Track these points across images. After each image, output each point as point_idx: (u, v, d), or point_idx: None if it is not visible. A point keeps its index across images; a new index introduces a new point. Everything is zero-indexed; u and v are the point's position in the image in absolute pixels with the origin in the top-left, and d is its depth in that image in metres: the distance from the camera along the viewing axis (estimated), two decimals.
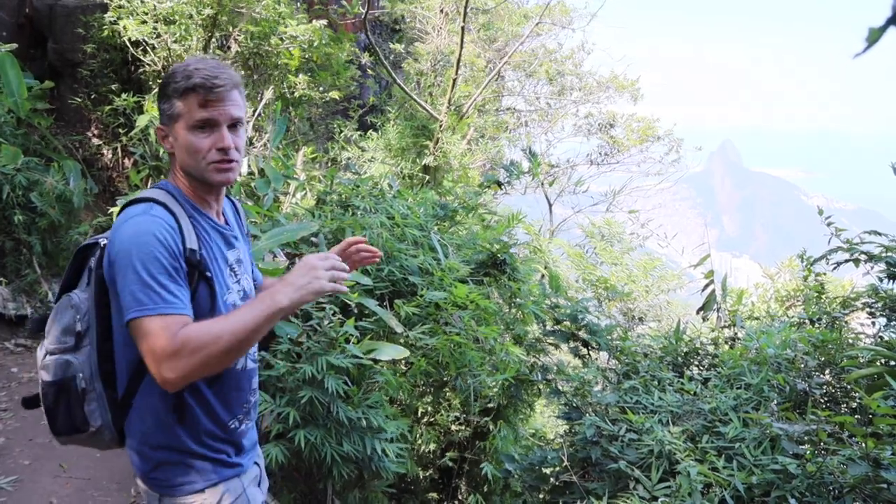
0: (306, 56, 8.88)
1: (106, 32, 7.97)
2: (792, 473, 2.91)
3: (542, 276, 6.77)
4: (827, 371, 4.04)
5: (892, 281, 4.30)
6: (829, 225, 4.77)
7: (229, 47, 8.64)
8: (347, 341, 3.70)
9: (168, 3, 7.75)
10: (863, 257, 4.44)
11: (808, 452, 3.14)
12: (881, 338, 4.27)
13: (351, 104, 11.86)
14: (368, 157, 11.23)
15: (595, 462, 3.72)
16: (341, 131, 11.44)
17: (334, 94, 9.62)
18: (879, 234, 4.45)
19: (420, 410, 5.23)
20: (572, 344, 5.51)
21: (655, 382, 4.20)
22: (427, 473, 5.36)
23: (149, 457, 1.85)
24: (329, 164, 10.46)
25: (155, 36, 7.88)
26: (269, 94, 8.28)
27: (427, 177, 10.77)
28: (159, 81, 1.88)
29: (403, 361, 4.36)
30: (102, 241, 1.82)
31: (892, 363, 3.50)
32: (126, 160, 8.67)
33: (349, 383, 3.61)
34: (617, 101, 16.71)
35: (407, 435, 4.17)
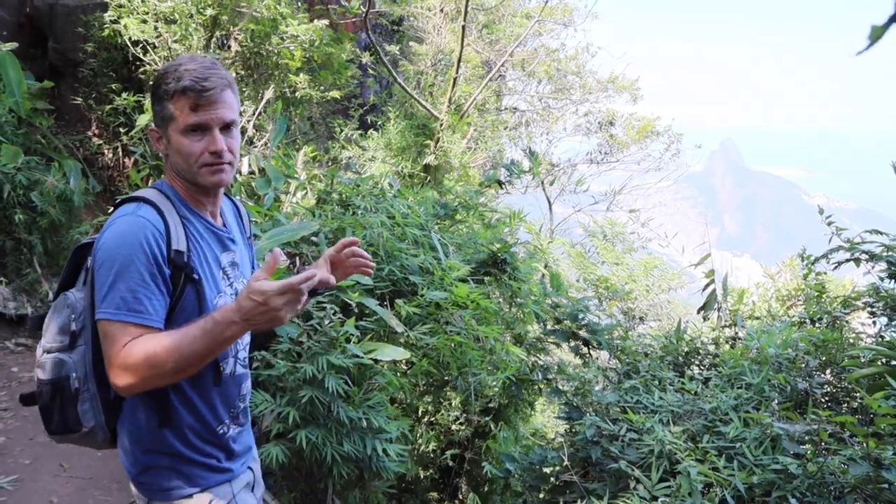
0: (307, 56, 8.88)
1: (106, 32, 7.97)
2: (793, 473, 2.90)
3: (543, 275, 6.77)
4: (828, 371, 4.04)
5: (893, 280, 4.29)
6: (829, 224, 4.76)
7: (230, 46, 8.64)
8: (348, 341, 3.70)
9: (168, 3, 7.75)
10: (864, 257, 4.44)
11: (809, 452, 3.13)
12: (882, 337, 4.26)
13: (351, 103, 11.86)
14: (369, 157, 11.23)
15: (595, 462, 3.72)
16: (342, 130, 11.44)
17: (335, 94, 9.62)
18: (880, 233, 4.45)
19: (421, 410, 5.23)
20: (573, 343, 5.51)
21: (656, 382, 4.20)
22: (427, 473, 5.36)
23: (138, 460, 1.85)
24: (329, 164, 10.46)
25: (156, 35, 7.88)
26: (269, 93, 8.28)
27: (427, 176, 10.76)
28: (154, 78, 1.82)
29: (404, 361, 4.36)
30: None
31: (894, 363, 3.50)
32: (126, 159, 8.67)
33: (350, 383, 3.61)
34: (616, 100, 16.71)
35: (408, 435, 4.17)
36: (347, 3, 10.33)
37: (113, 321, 1.63)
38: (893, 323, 4.29)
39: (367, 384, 3.90)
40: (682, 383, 4.08)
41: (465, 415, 5.24)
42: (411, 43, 13.81)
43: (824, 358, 4.03)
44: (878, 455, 2.78)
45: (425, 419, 5.27)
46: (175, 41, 7.96)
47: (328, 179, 5.84)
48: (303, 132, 10.16)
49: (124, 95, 7.92)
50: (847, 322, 4.65)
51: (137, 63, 8.33)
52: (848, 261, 4.55)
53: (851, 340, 4.25)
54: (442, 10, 13.28)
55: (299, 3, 9.81)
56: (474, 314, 4.72)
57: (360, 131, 11.74)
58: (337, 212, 5.07)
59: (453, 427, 5.31)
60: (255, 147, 7.82)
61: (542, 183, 14.42)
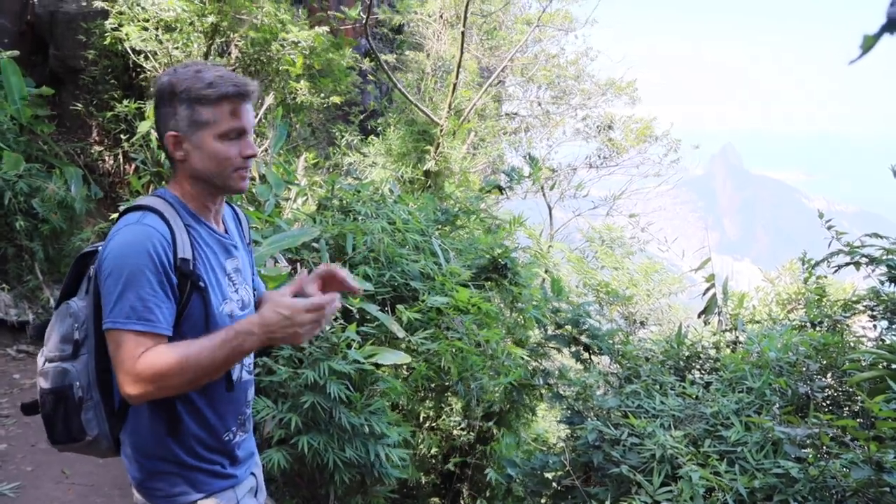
0: (307, 62, 8.91)
1: (108, 39, 7.99)
2: (794, 477, 2.91)
3: (544, 280, 6.78)
4: (829, 374, 4.03)
5: (893, 284, 4.29)
6: (829, 228, 4.77)
7: (230, 53, 8.67)
8: (349, 346, 3.71)
9: (170, 13, 7.77)
10: (864, 260, 4.44)
11: (811, 456, 3.13)
12: (883, 341, 4.26)
13: (352, 109, 11.89)
14: (369, 162, 11.25)
15: (597, 466, 3.72)
16: (342, 136, 11.47)
17: (335, 100, 9.65)
18: (880, 236, 4.45)
19: (422, 415, 5.23)
20: (574, 348, 5.51)
21: (657, 386, 4.20)
22: (429, 478, 5.36)
23: (143, 466, 1.85)
24: (330, 170, 10.48)
25: (157, 43, 7.91)
26: (270, 99, 8.30)
27: (428, 181, 10.78)
28: (165, 84, 1.83)
29: (405, 366, 4.36)
30: (101, 248, 1.80)
31: (894, 366, 3.50)
32: (127, 166, 8.70)
33: (351, 389, 3.61)
34: (615, 104, 16.73)
35: (409, 440, 4.17)
36: (347, 10, 10.37)
37: (123, 330, 1.63)
38: (894, 326, 4.29)
39: (369, 390, 3.90)
40: (684, 388, 4.08)
41: (466, 420, 5.24)
42: (410, 51, 13.85)
43: (825, 362, 4.03)
44: (879, 459, 2.78)
45: (426, 424, 5.28)
46: (176, 48, 7.99)
47: (329, 185, 5.86)
48: (303, 138, 10.19)
49: (125, 102, 7.95)
50: (848, 326, 4.65)
51: (138, 70, 8.37)
52: (848, 264, 4.55)
53: (852, 344, 4.25)
54: (441, 17, 13.32)
55: (299, 10, 9.85)
56: (475, 319, 4.73)
57: (360, 137, 11.77)
58: (338, 218, 5.08)
59: (455, 432, 5.31)
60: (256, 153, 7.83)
61: (542, 188, 14.44)
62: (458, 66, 10.54)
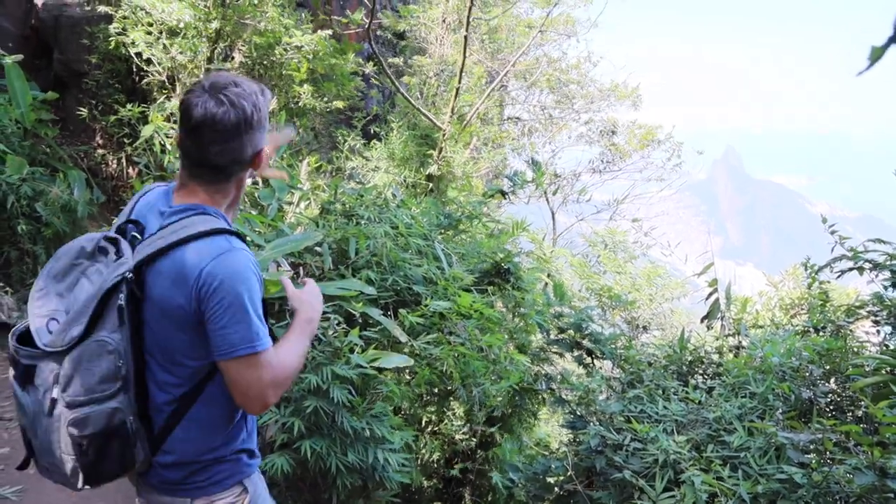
0: (311, 66, 8.93)
1: (112, 44, 8.02)
2: (798, 483, 2.90)
3: (546, 284, 6.78)
4: (832, 380, 4.03)
5: None
6: (833, 233, 4.76)
7: (233, 58, 8.68)
8: (352, 351, 3.71)
9: (175, 18, 7.79)
10: (867, 265, 4.43)
11: (814, 462, 3.13)
12: (886, 346, 4.26)
13: (354, 114, 11.90)
14: (372, 167, 11.26)
15: (600, 471, 3.71)
16: (345, 141, 11.48)
17: (338, 104, 9.66)
18: (884, 242, 4.44)
19: (424, 420, 5.23)
20: (576, 353, 5.51)
21: (660, 391, 4.19)
22: (431, 483, 5.35)
23: (189, 464, 1.88)
24: (333, 174, 10.49)
25: (161, 48, 7.93)
26: (273, 104, 8.31)
27: (431, 186, 10.79)
28: (261, 103, 1.86)
29: (408, 371, 4.36)
30: (128, 274, 1.73)
31: None
32: (130, 170, 8.71)
33: (354, 393, 3.61)
34: (618, 108, 16.72)
35: (411, 445, 4.17)
36: (350, 14, 10.39)
37: (259, 353, 1.76)
38: None
39: (371, 394, 3.90)
40: (686, 392, 4.08)
41: (468, 424, 5.24)
42: (413, 55, 13.87)
43: (828, 367, 4.02)
44: (883, 464, 2.78)
45: (429, 429, 5.27)
46: (180, 53, 8.01)
47: (332, 190, 5.86)
48: (306, 142, 10.19)
49: (129, 106, 7.96)
50: (851, 331, 4.64)
51: (142, 74, 8.38)
52: (851, 269, 4.54)
53: (855, 349, 4.25)
54: (444, 21, 13.34)
55: (303, 15, 9.87)
56: (478, 324, 4.73)
57: (363, 141, 11.77)
58: (340, 222, 5.08)
59: (457, 437, 5.30)
60: None
61: (545, 193, 14.44)
62: (461, 71, 10.55)
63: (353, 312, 4.15)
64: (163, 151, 7.49)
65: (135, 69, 8.37)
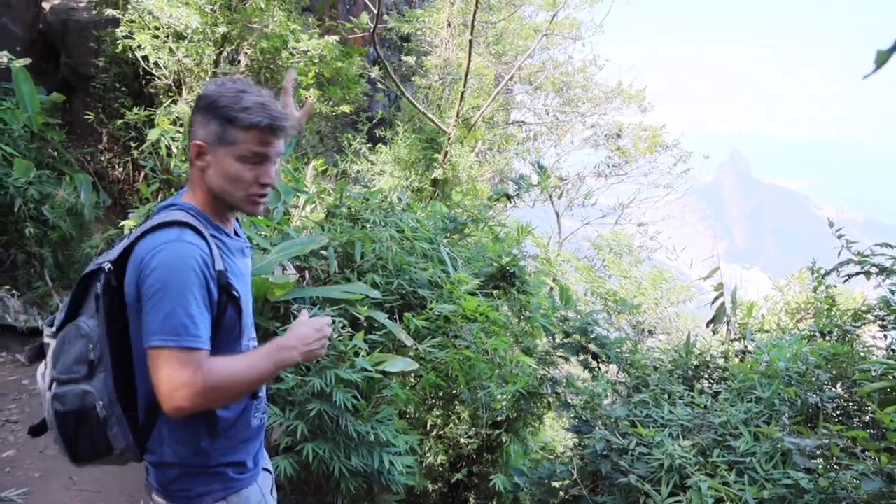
0: (317, 70, 8.95)
1: (119, 47, 8.05)
2: (804, 488, 2.89)
3: (552, 288, 6.76)
4: (839, 384, 4.01)
5: None
6: (839, 237, 4.74)
7: (239, 61, 8.71)
8: (357, 354, 3.71)
9: (182, 23, 7.81)
10: (874, 270, 4.41)
11: (821, 467, 3.11)
12: (893, 351, 4.23)
13: (360, 117, 11.93)
14: (378, 170, 11.27)
15: (605, 476, 3.70)
16: (351, 144, 11.50)
17: (344, 108, 9.68)
18: (891, 246, 4.42)
19: (429, 423, 5.22)
20: (582, 357, 5.49)
21: (665, 396, 4.18)
22: (436, 486, 5.34)
23: (173, 469, 1.87)
24: (339, 177, 10.50)
25: (167, 52, 7.96)
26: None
27: (436, 189, 10.79)
28: (208, 94, 1.84)
29: (413, 374, 4.36)
30: (106, 266, 1.81)
31: None
32: (137, 173, 8.75)
33: (358, 397, 3.61)
34: (624, 111, 16.72)
35: (416, 448, 4.16)
36: (356, 18, 10.41)
37: (173, 348, 1.67)
38: None
39: (376, 398, 3.90)
40: (692, 397, 4.06)
41: (473, 428, 5.23)
42: (418, 59, 13.89)
43: (835, 372, 4.00)
44: (890, 470, 2.76)
45: (434, 433, 5.26)
46: (186, 56, 8.04)
47: (337, 193, 5.87)
48: (312, 146, 10.22)
49: (135, 110, 8.00)
50: (858, 336, 4.62)
51: (148, 78, 8.41)
52: (858, 274, 4.52)
53: (862, 354, 4.22)
54: (449, 25, 13.35)
55: (309, 19, 9.90)
56: (483, 327, 4.72)
57: (368, 145, 11.80)
58: (346, 226, 5.09)
59: (462, 440, 5.30)
60: None
61: (551, 196, 14.43)
62: (466, 75, 10.55)
63: (359, 316, 4.16)
64: (169, 155, 7.51)
65: (141, 73, 8.41)
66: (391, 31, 13.77)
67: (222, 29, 8.03)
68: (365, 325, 4.20)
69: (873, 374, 3.75)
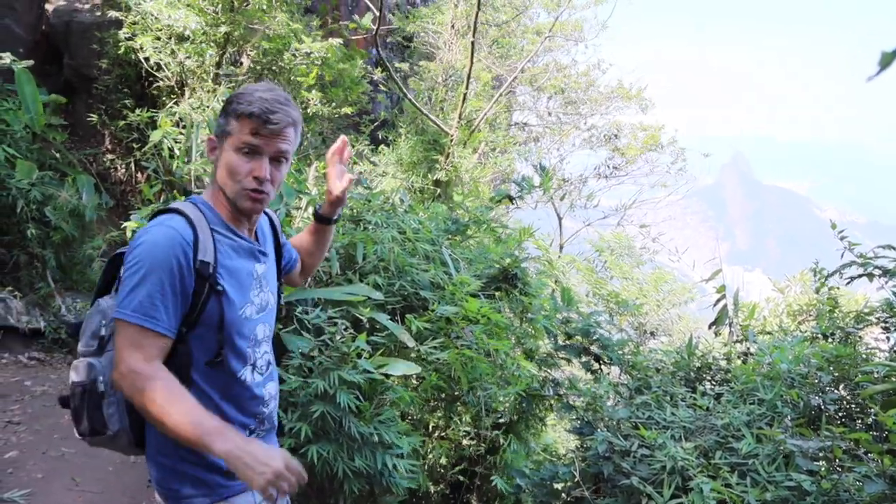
0: (320, 72, 8.96)
1: (121, 49, 8.06)
2: (806, 490, 2.88)
3: (554, 290, 6.76)
4: (841, 386, 4.00)
5: None
6: (842, 239, 4.74)
7: (241, 63, 8.72)
8: (359, 356, 3.71)
9: (181, 25, 7.82)
10: (877, 272, 4.41)
11: (823, 469, 3.11)
12: None
13: (362, 119, 11.95)
14: (380, 172, 11.28)
15: (607, 477, 3.70)
16: (353, 146, 11.51)
17: (346, 110, 9.69)
18: (894, 248, 4.42)
19: (431, 425, 5.22)
20: (584, 358, 5.49)
21: (668, 397, 4.18)
22: (438, 488, 5.34)
23: (161, 465, 1.88)
24: None
25: (169, 53, 7.97)
26: None
27: (438, 191, 10.79)
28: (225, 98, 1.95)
29: (415, 376, 4.36)
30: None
31: None
32: (139, 174, 8.76)
33: (361, 398, 3.61)
34: (625, 112, 16.72)
35: (418, 450, 4.16)
36: (359, 20, 10.42)
37: (129, 323, 1.70)
38: None
39: (379, 399, 3.90)
40: (694, 399, 4.06)
41: (475, 430, 5.23)
42: (421, 60, 13.90)
43: (837, 374, 4.00)
44: (893, 472, 2.76)
45: (436, 434, 5.26)
46: (188, 58, 8.05)
47: None
48: (314, 147, 10.22)
49: (137, 111, 8.00)
50: (860, 337, 4.61)
51: (151, 79, 8.42)
52: (861, 276, 4.51)
53: (865, 356, 4.22)
54: (452, 27, 13.36)
55: (312, 22, 9.91)
56: (485, 329, 4.72)
57: (371, 147, 11.81)
58: (348, 227, 5.09)
59: (464, 442, 5.30)
60: None
61: (552, 198, 14.43)
62: (468, 76, 10.56)
63: (361, 317, 4.16)
64: (171, 156, 7.52)
65: (144, 74, 8.42)
66: (394, 33, 13.79)
67: (224, 29, 8.04)
68: (367, 326, 4.20)
69: (876, 376, 3.74)
